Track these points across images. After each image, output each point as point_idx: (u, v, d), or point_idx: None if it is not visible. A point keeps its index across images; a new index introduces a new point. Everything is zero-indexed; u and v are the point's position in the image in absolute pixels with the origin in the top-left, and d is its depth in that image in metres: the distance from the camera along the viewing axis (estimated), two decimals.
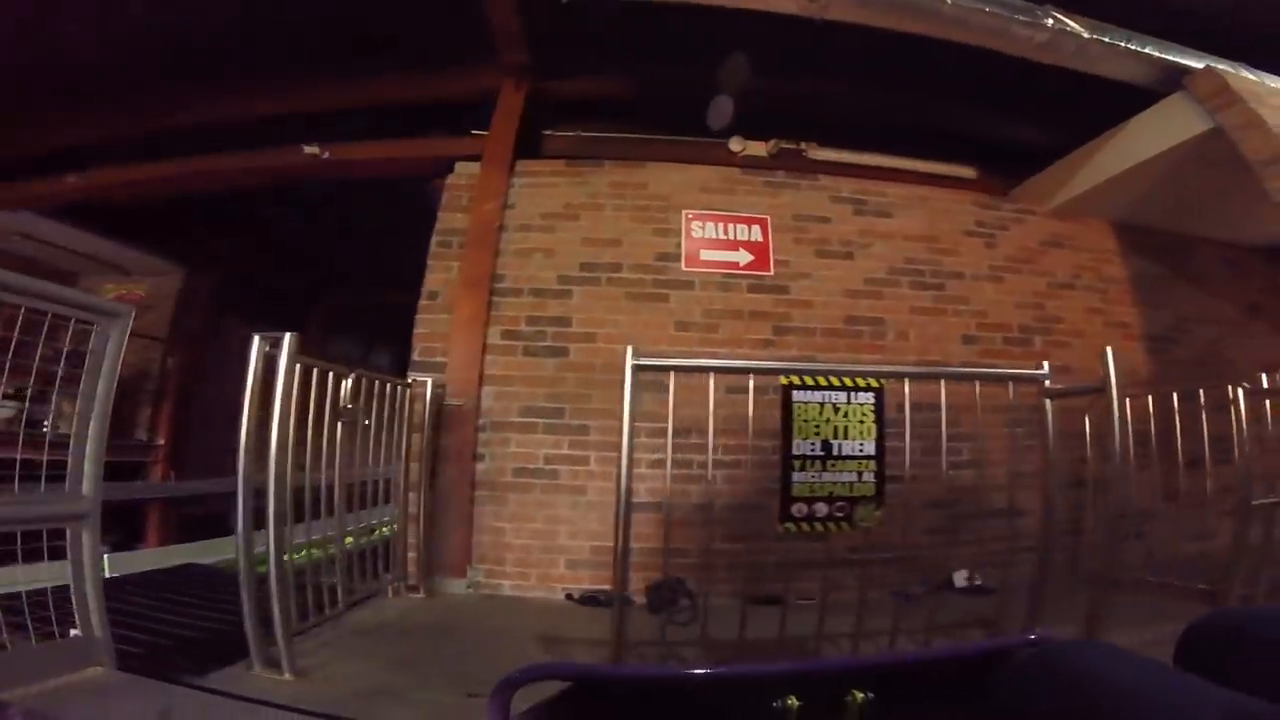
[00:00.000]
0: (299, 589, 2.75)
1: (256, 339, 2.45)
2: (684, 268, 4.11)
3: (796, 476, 2.18)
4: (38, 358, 2.08)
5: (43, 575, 2.11)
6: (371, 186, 5.85)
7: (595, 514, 3.70)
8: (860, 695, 0.73)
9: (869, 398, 2.20)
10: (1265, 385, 3.24)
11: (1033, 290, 4.53)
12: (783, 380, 2.21)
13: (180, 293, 7.44)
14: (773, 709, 0.72)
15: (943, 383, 2.36)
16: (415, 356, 3.89)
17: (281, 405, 2.42)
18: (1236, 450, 3.13)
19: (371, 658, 2.60)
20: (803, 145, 4.68)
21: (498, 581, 3.72)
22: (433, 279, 4.01)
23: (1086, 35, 3.74)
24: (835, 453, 2.17)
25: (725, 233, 4.19)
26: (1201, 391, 3.37)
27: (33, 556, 2.07)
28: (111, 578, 3.27)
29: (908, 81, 4.69)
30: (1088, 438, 3.65)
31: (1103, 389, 2.36)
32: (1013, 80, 4.27)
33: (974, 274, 4.43)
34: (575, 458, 3.76)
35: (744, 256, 4.14)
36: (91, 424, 2.22)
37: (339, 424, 3.00)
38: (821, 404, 2.18)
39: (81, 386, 2.20)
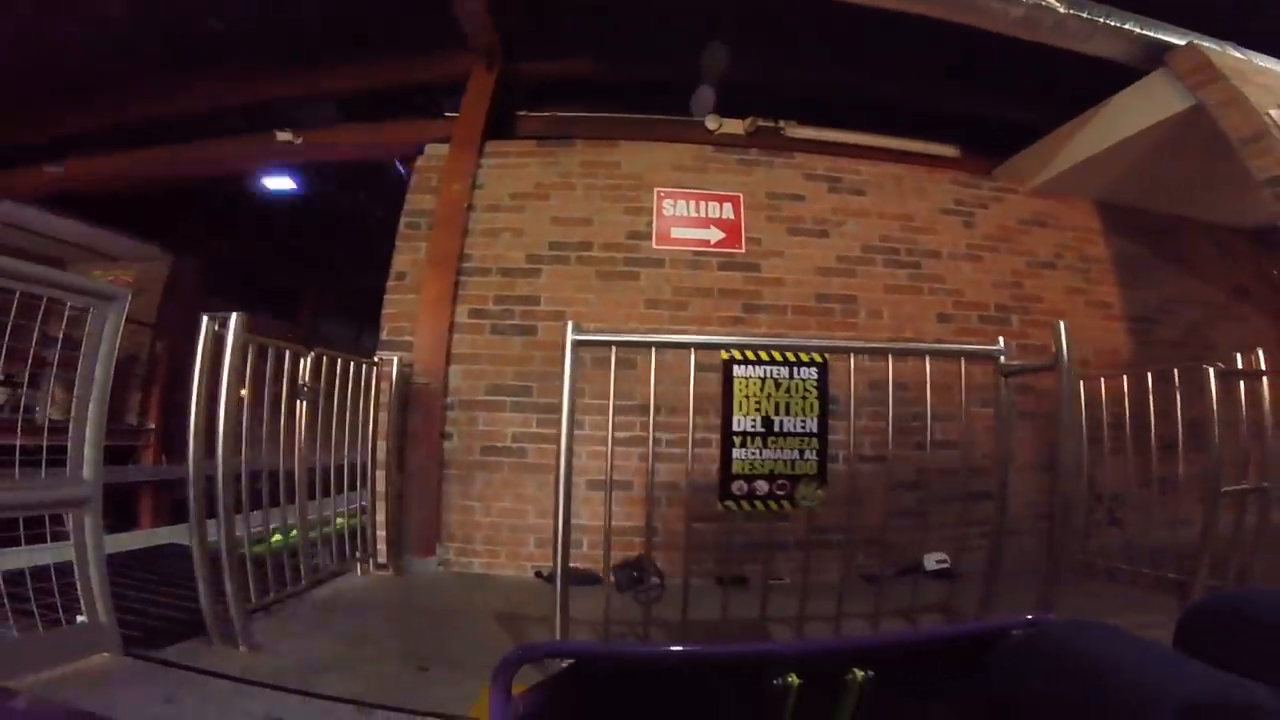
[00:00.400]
0: (258, 566, 2.78)
1: (205, 319, 2.45)
2: (655, 246, 4.08)
3: (736, 453, 2.16)
4: (34, 342, 2.07)
5: (40, 558, 2.09)
6: (359, 171, 5.84)
7: None
8: (860, 674, 0.73)
9: (812, 373, 2.17)
10: (1240, 366, 3.09)
11: (1011, 269, 4.48)
12: (723, 355, 2.19)
13: (168, 278, 7.48)
14: (773, 687, 0.72)
15: (890, 359, 2.32)
16: (384, 336, 3.89)
17: (229, 384, 2.42)
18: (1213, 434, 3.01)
19: (330, 633, 2.63)
20: (781, 123, 4.62)
21: (468, 560, 3.75)
22: (400, 260, 4.00)
23: (1062, 10, 3.66)
24: (776, 429, 2.16)
25: (697, 211, 4.16)
26: (1176, 372, 3.25)
27: (34, 542, 2.07)
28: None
29: (890, 60, 4.63)
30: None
31: (1054, 366, 2.31)
32: (999, 59, 4.21)
33: (951, 253, 4.38)
34: (543, 436, 3.75)
35: (715, 234, 4.11)
36: (91, 408, 2.19)
37: (299, 402, 3.02)
38: (763, 379, 2.16)
39: (79, 370, 2.18)
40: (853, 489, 2.54)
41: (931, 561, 3.69)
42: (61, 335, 2.16)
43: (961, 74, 4.64)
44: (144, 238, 7.24)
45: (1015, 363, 2.53)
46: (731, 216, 4.15)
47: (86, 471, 2.17)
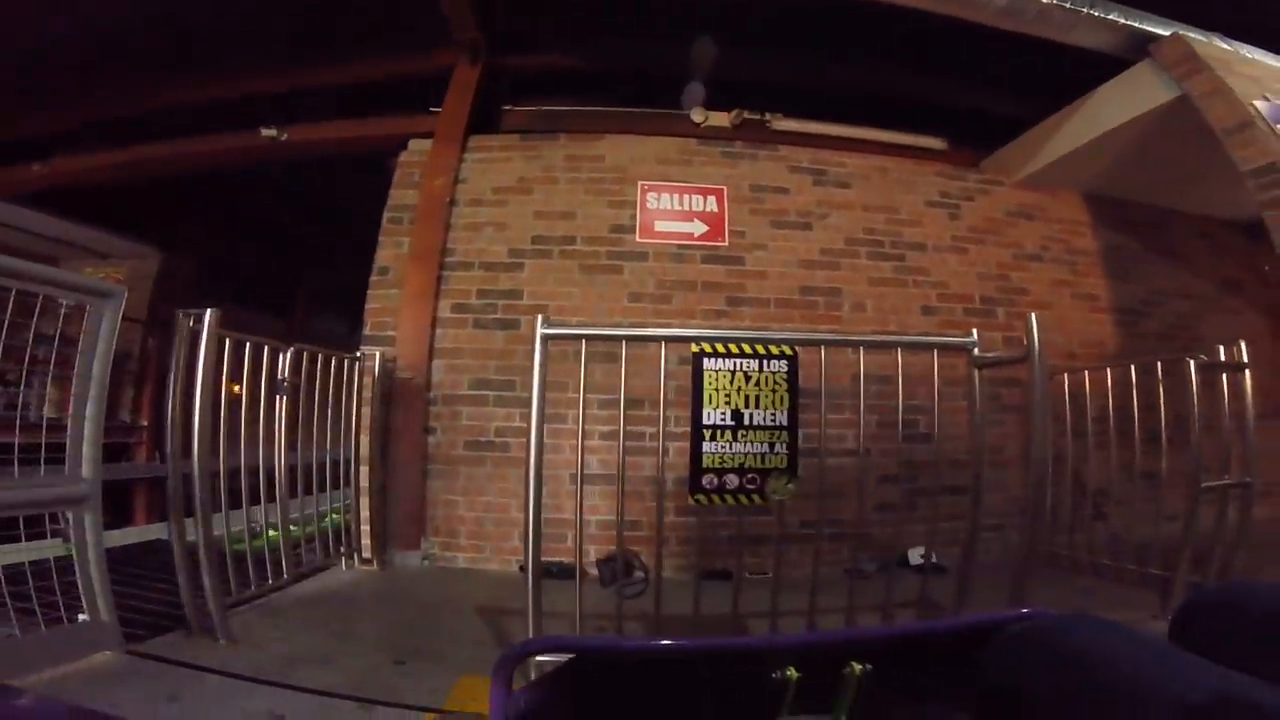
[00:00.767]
0: (239, 561, 2.80)
1: (179, 314, 2.46)
2: (638, 239, 4.08)
3: (707, 447, 2.16)
4: (31, 339, 2.06)
5: (35, 555, 2.08)
6: (349, 165, 5.82)
7: (547, 487, 3.64)
8: (858, 666, 0.73)
9: (782, 365, 2.17)
10: (1223, 359, 3.02)
11: (997, 262, 4.47)
12: (693, 348, 2.19)
13: (159, 275, 7.47)
14: (772, 679, 0.72)
15: (862, 351, 2.32)
16: (366, 331, 3.90)
17: (204, 381, 2.43)
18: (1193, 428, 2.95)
19: (311, 626, 2.64)
20: (767, 116, 4.61)
21: (452, 554, 3.76)
22: (384, 254, 4.00)
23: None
24: (746, 422, 2.16)
25: (681, 204, 4.15)
26: (1160, 365, 3.22)
27: (32, 539, 2.06)
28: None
29: (876, 52, 4.62)
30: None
31: (1026, 358, 2.31)
32: (985, 51, 4.20)
33: (936, 245, 4.37)
34: (527, 430, 3.74)
35: (699, 227, 4.10)
36: (89, 405, 2.18)
37: (279, 398, 3.02)
38: (733, 372, 2.16)
39: (77, 368, 2.16)
40: (833, 483, 2.54)
41: (915, 556, 3.70)
42: (58, 333, 2.14)
43: (948, 66, 4.63)
44: (134, 235, 7.23)
45: (988, 355, 2.52)
46: (715, 210, 4.15)
47: (85, 470, 2.16)
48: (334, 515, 3.55)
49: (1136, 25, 3.83)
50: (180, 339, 2.43)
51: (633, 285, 4.01)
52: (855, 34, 4.41)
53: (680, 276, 4.04)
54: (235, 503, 2.85)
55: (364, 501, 3.61)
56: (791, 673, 0.72)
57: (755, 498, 2.18)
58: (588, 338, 2.22)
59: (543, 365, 2.14)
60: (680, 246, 4.10)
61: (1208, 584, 2.82)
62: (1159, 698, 0.57)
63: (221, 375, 2.56)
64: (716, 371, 2.16)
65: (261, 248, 8.72)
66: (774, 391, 2.17)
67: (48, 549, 2.14)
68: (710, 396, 2.16)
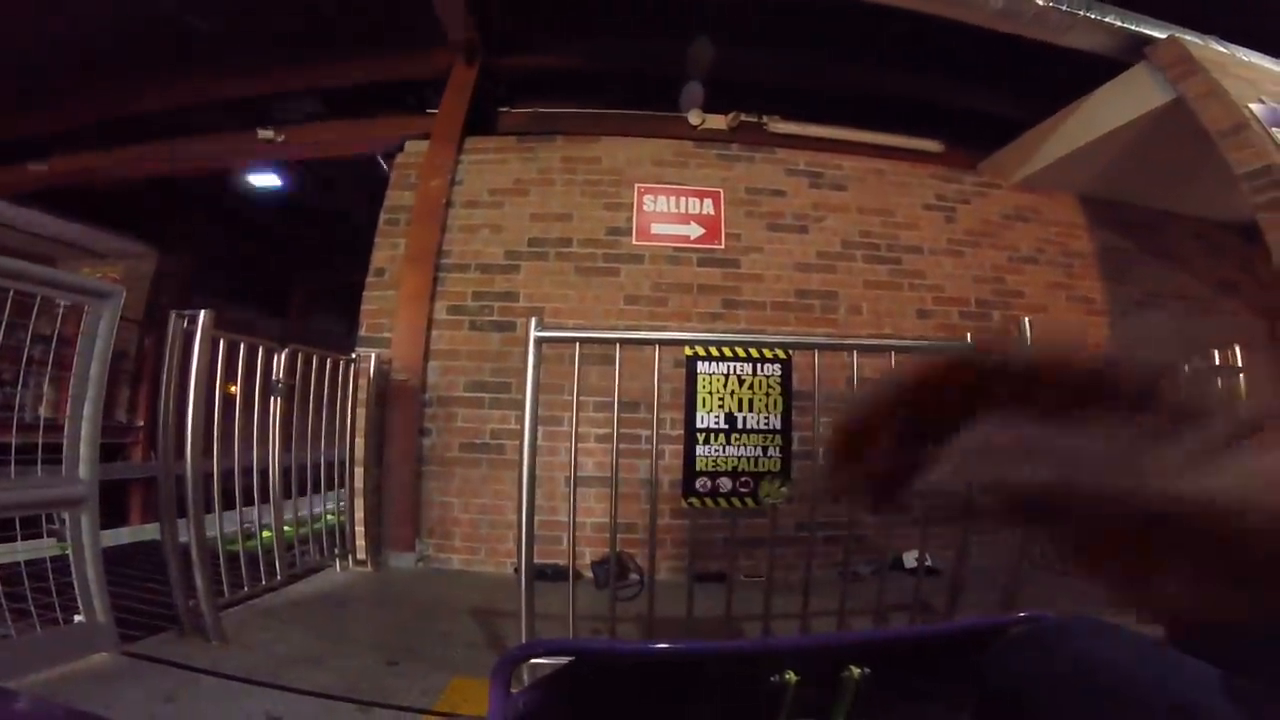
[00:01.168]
0: (232, 562, 2.79)
1: (173, 315, 2.46)
2: (635, 241, 4.08)
3: (700, 450, 2.16)
4: (28, 340, 2.07)
5: (29, 554, 2.08)
6: (347, 167, 5.82)
7: (542, 489, 3.65)
8: (856, 670, 0.73)
9: (775, 369, 2.17)
10: (1217, 363, 2.91)
11: (993, 265, 4.47)
12: (687, 351, 2.19)
13: (155, 275, 7.47)
14: (770, 683, 0.72)
15: (855, 354, 2.32)
16: (362, 332, 3.90)
17: (197, 382, 2.42)
18: None
19: (303, 627, 2.64)
20: (764, 118, 4.61)
21: (447, 556, 3.76)
22: (380, 256, 4.00)
23: (1042, 2, 3.64)
24: (739, 426, 2.16)
25: (677, 206, 4.15)
26: None
27: (28, 539, 2.05)
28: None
29: (874, 54, 4.62)
30: None
31: None
32: (982, 53, 4.20)
33: (932, 248, 4.38)
34: (521, 432, 3.76)
35: (695, 230, 4.11)
36: (86, 406, 2.17)
37: (273, 399, 3.02)
38: (726, 375, 2.16)
39: (74, 368, 2.16)
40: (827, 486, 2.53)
41: (910, 559, 3.70)
42: (56, 333, 2.13)
43: (945, 68, 4.63)
44: (131, 235, 7.22)
45: None
46: (711, 212, 4.15)
47: (83, 471, 2.15)
48: (328, 516, 3.54)
49: (1132, 28, 3.83)
50: (174, 340, 2.43)
51: (629, 288, 4.01)
52: (852, 35, 4.41)
53: (676, 279, 4.04)
54: (230, 504, 2.84)
55: (358, 503, 3.61)
56: (790, 676, 0.72)
57: (749, 501, 2.18)
58: (582, 340, 2.21)
59: (536, 368, 2.14)
60: (676, 249, 4.10)
61: None
62: (1160, 700, 0.57)
63: (215, 376, 2.56)
64: (710, 375, 2.16)
65: (259, 248, 8.71)
66: (768, 395, 2.17)
67: (43, 549, 2.14)
68: (704, 400, 2.16)
